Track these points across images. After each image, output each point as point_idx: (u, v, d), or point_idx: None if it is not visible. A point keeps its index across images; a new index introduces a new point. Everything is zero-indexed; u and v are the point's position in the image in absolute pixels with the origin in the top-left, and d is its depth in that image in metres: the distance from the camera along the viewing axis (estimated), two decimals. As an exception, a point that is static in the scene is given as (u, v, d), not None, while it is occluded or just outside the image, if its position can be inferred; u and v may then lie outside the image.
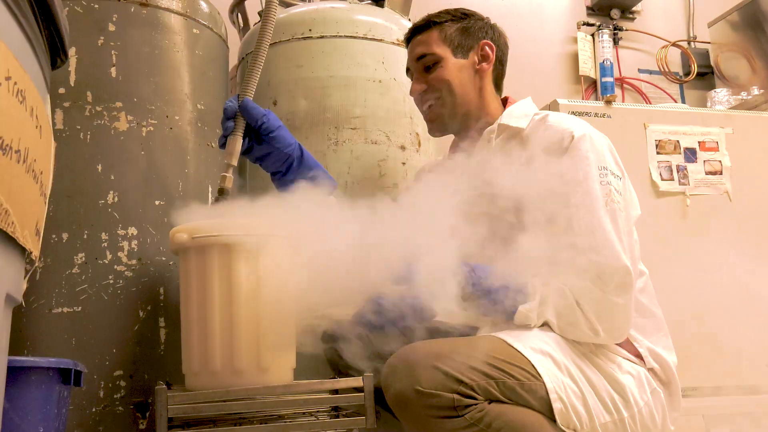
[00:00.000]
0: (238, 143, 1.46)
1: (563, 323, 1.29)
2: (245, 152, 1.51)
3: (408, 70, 1.64)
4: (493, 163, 1.44)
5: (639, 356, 1.39)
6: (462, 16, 1.60)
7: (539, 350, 1.24)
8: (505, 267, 1.37)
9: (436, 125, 1.60)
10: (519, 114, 1.54)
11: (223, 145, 1.50)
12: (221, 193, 1.46)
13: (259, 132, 1.50)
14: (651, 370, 1.38)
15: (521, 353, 1.22)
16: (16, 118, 0.63)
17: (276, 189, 1.60)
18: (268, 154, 1.53)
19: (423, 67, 1.58)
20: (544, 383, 1.20)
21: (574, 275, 1.28)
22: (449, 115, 1.56)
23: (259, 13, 2.18)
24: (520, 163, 1.41)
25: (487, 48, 1.57)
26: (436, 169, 1.69)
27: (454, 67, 1.55)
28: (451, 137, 1.68)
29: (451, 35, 1.57)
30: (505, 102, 1.62)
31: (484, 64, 1.57)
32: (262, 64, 1.50)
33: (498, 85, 1.62)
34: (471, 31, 1.58)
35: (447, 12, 1.60)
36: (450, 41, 1.56)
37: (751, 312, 2.48)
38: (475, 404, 1.14)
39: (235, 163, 1.45)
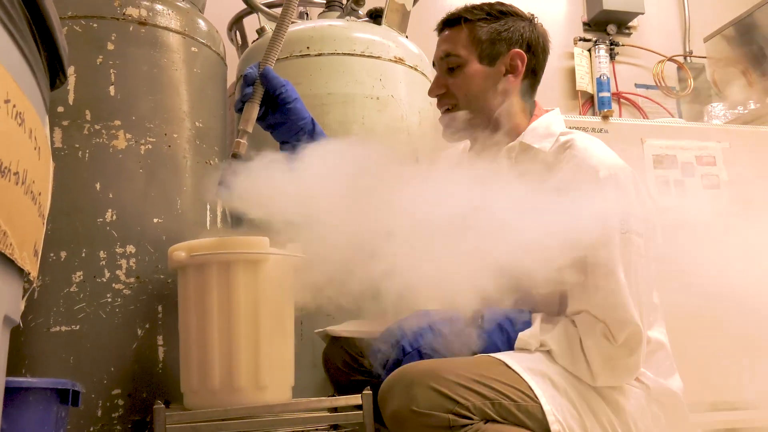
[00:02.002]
0: (255, 110, 1.43)
1: (563, 357, 1.26)
2: (259, 119, 1.46)
3: (434, 63, 1.53)
4: (510, 193, 1.38)
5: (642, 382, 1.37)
6: (499, 14, 1.47)
7: (538, 372, 1.22)
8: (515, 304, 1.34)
9: (450, 132, 1.49)
10: (543, 132, 1.43)
11: (239, 110, 1.46)
12: (235, 159, 1.44)
13: (276, 101, 1.46)
14: (656, 400, 1.37)
15: (519, 374, 1.21)
16: (14, 141, 0.63)
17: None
18: (281, 124, 1.48)
19: (446, 67, 1.47)
20: (540, 405, 1.19)
21: (585, 319, 1.26)
22: (464, 123, 1.46)
23: (257, 31, 2.19)
24: (538, 196, 1.35)
25: (517, 59, 1.45)
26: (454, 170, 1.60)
27: (476, 75, 1.44)
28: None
29: (481, 37, 1.44)
30: (532, 107, 1.51)
31: (510, 76, 1.45)
32: (285, 36, 1.46)
33: (528, 94, 1.49)
34: (504, 35, 1.45)
35: (482, 8, 1.47)
36: (478, 44, 1.44)
37: (750, 326, 2.48)
38: (471, 424, 1.14)
39: (250, 129, 1.43)
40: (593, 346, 1.24)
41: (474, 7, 1.48)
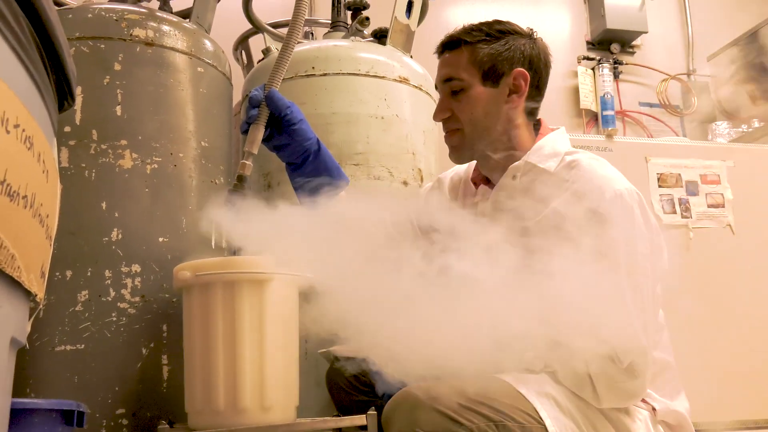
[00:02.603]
0: (260, 132, 1.44)
1: (567, 379, 1.25)
2: (265, 140, 1.46)
3: (437, 86, 1.53)
4: (515, 211, 1.37)
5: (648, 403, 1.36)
6: (498, 34, 1.45)
7: (543, 393, 1.22)
8: (517, 327, 1.35)
9: (456, 153, 1.49)
10: (548, 152, 1.43)
11: (245, 132, 1.46)
12: (240, 180, 1.43)
13: (281, 123, 1.45)
14: (662, 421, 1.36)
15: (524, 396, 1.20)
16: (23, 165, 0.63)
17: (290, 179, 1.56)
18: (286, 145, 1.48)
19: (449, 91, 1.46)
20: (545, 427, 1.18)
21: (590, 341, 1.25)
22: (470, 145, 1.46)
23: (263, 51, 2.21)
24: (543, 219, 1.34)
25: (520, 79, 1.43)
26: (460, 193, 1.59)
27: (480, 97, 1.43)
28: None
29: (482, 59, 1.43)
30: (538, 125, 1.51)
31: (514, 96, 1.44)
32: (290, 58, 1.47)
33: (533, 112, 1.49)
34: (505, 55, 1.44)
35: (481, 29, 1.46)
36: (480, 65, 1.43)
37: (757, 344, 2.47)
38: None
39: (255, 151, 1.43)
40: (599, 369, 1.23)
41: (473, 29, 1.47)
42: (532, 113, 1.49)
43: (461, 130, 1.46)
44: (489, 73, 1.43)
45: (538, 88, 1.48)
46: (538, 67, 1.47)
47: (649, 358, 1.24)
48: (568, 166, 1.39)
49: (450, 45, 1.48)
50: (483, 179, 1.53)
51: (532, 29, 1.52)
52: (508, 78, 1.44)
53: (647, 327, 1.25)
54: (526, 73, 1.44)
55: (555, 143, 1.46)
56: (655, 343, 1.34)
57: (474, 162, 1.57)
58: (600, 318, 1.23)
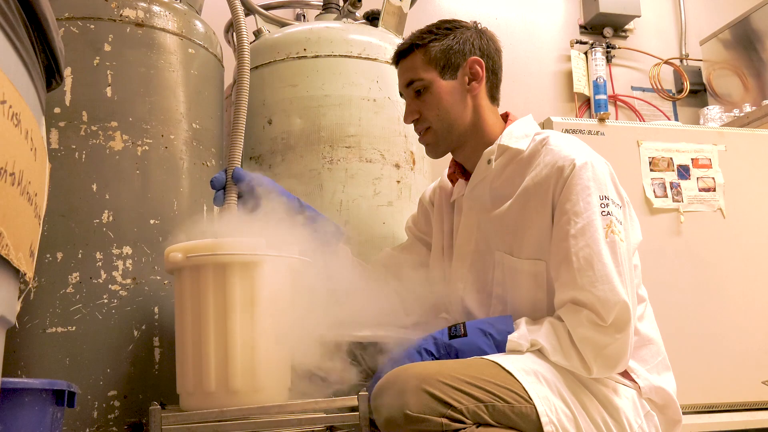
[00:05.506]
0: (233, 210, 1.48)
1: (555, 354, 1.27)
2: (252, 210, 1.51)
3: (401, 93, 1.60)
4: (491, 194, 1.46)
5: (634, 380, 1.38)
6: (446, 31, 1.53)
7: (531, 372, 1.23)
8: (501, 301, 1.40)
9: (432, 149, 1.56)
10: (519, 134, 1.49)
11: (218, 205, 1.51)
12: None
13: (256, 194, 1.50)
14: (649, 399, 1.37)
15: (513, 376, 1.21)
16: (10, 142, 0.63)
17: None
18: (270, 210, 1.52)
19: (413, 93, 1.53)
20: (534, 406, 1.19)
21: (571, 310, 1.28)
22: (443, 139, 1.52)
23: (254, 33, 2.19)
24: (519, 191, 1.41)
25: (476, 66, 1.50)
26: (436, 201, 1.67)
27: (443, 91, 1.50)
28: None
29: (437, 56, 1.50)
30: (505, 118, 1.57)
31: (474, 83, 1.51)
32: (243, 133, 1.51)
33: (494, 96, 1.56)
34: (456, 48, 1.51)
35: (430, 31, 1.53)
36: (436, 62, 1.50)
37: (746, 328, 2.48)
38: (464, 428, 1.14)
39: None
40: (583, 336, 1.25)
41: (422, 32, 1.54)
42: (494, 98, 1.56)
43: (432, 128, 1.52)
44: (446, 67, 1.50)
45: (494, 73, 1.56)
46: (489, 53, 1.55)
47: (632, 313, 1.27)
48: (539, 143, 1.46)
49: (403, 52, 1.56)
50: (459, 172, 1.56)
51: (476, 21, 1.60)
52: (465, 68, 1.51)
53: (627, 283, 1.27)
54: (481, 60, 1.52)
55: (524, 127, 1.53)
56: (638, 315, 1.37)
57: (448, 167, 1.62)
58: (579, 278, 1.26)
